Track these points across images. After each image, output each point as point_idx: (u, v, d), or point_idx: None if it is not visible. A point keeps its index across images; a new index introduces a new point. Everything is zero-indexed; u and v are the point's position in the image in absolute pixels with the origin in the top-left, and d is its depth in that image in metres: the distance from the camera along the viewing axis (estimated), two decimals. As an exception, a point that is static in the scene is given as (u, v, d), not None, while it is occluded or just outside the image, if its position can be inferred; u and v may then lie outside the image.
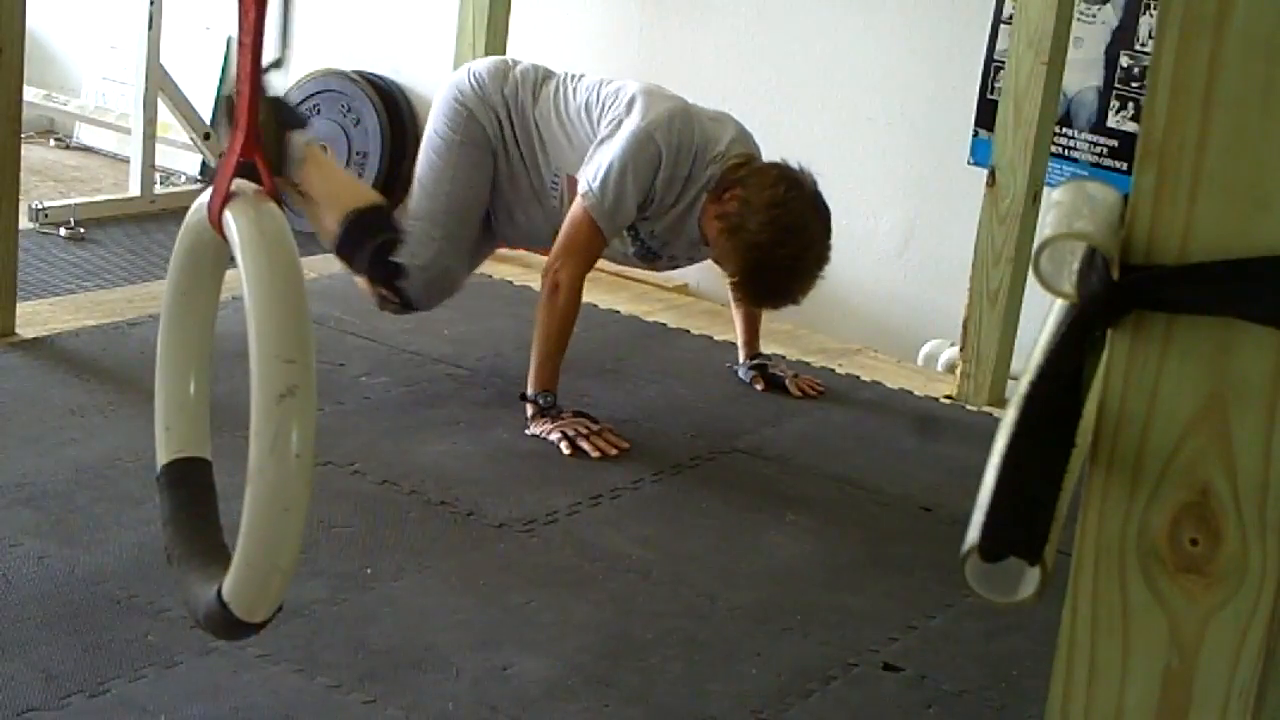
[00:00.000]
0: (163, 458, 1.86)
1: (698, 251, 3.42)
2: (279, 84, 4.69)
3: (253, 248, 1.61)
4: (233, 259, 1.69)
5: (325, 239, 3.34)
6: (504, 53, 4.45)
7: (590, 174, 3.24)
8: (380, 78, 5.61)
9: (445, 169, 3.40)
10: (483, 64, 3.54)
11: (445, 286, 3.39)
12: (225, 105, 3.36)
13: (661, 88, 3.41)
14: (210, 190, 1.70)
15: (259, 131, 1.70)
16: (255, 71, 1.67)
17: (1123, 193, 0.97)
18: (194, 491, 1.84)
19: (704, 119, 3.35)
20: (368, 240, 3.28)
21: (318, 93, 5.52)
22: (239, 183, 1.67)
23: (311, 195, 3.27)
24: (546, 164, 3.40)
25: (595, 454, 3.16)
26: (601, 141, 3.28)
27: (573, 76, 3.48)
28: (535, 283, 4.17)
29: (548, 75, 3.48)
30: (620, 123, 3.27)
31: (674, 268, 3.61)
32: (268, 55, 3.59)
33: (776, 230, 3.15)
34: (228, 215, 1.66)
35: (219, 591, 1.68)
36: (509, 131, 3.42)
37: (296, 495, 1.58)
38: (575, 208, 3.26)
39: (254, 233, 1.63)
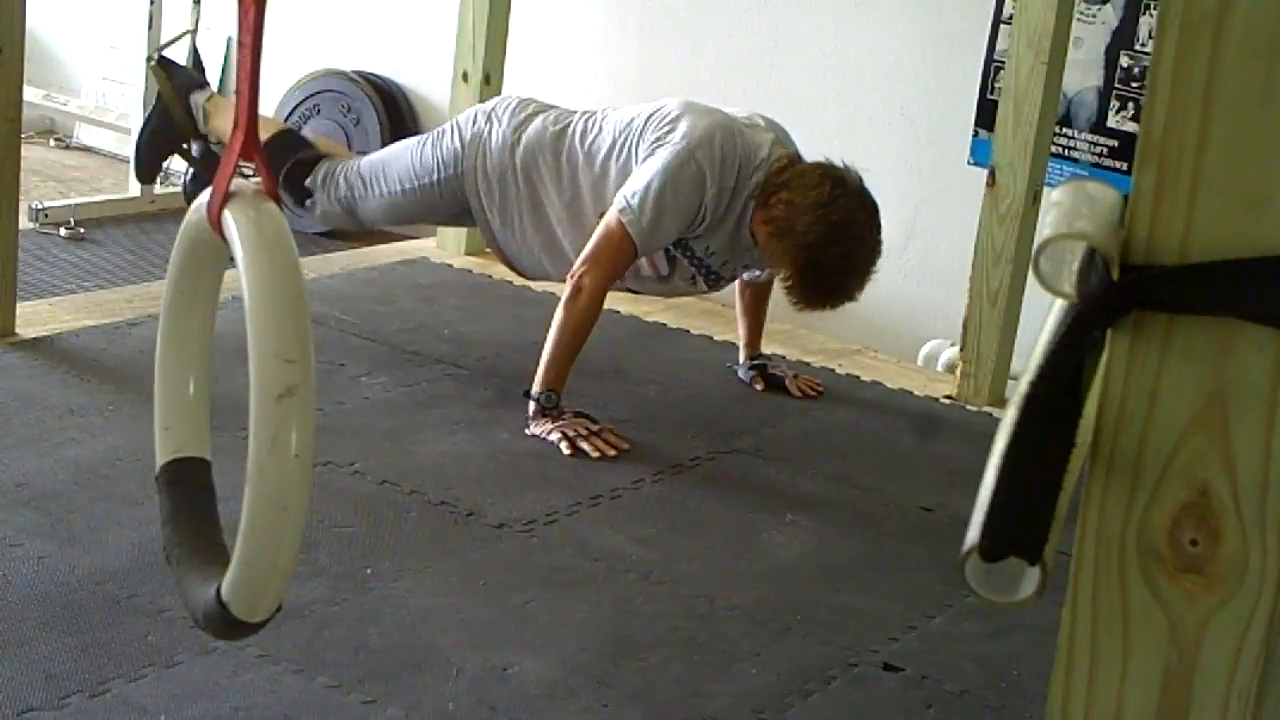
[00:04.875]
0: (162, 458, 1.86)
1: (754, 258, 3.40)
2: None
3: (252, 248, 1.61)
4: (232, 259, 1.68)
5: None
6: (504, 54, 4.45)
7: (629, 190, 3.23)
8: (380, 78, 5.61)
9: (406, 180, 3.61)
10: (495, 128, 3.51)
11: (341, 226, 3.94)
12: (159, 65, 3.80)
13: (700, 103, 3.39)
14: (209, 190, 1.69)
15: (259, 131, 1.70)
16: (255, 72, 1.67)
17: (1123, 193, 0.97)
18: (193, 491, 1.84)
19: (744, 127, 3.33)
20: (279, 165, 3.62)
21: (318, 93, 5.53)
22: (238, 182, 1.67)
23: (221, 133, 3.64)
24: (579, 214, 3.40)
25: (595, 454, 3.16)
26: (645, 160, 3.28)
27: (591, 117, 3.46)
28: (535, 283, 4.18)
29: (564, 127, 3.45)
30: (662, 142, 3.27)
31: (737, 279, 3.59)
32: (186, 24, 3.76)
33: (825, 229, 3.15)
34: (227, 215, 1.65)
35: (218, 591, 1.68)
36: (519, 194, 3.47)
37: (295, 495, 1.58)
38: (610, 218, 3.25)
39: (253, 233, 1.62)
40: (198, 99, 3.74)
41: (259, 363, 1.56)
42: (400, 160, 3.63)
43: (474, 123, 3.57)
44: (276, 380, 1.54)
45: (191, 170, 3.79)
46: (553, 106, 3.57)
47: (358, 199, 3.65)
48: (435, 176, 3.56)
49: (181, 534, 1.81)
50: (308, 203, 3.68)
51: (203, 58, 4.07)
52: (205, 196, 1.70)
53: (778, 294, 3.41)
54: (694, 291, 3.58)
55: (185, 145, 3.76)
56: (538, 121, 3.48)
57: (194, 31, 4.06)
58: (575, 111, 3.52)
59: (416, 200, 3.60)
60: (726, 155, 3.25)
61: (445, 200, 3.59)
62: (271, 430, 1.55)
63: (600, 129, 3.41)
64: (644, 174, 3.23)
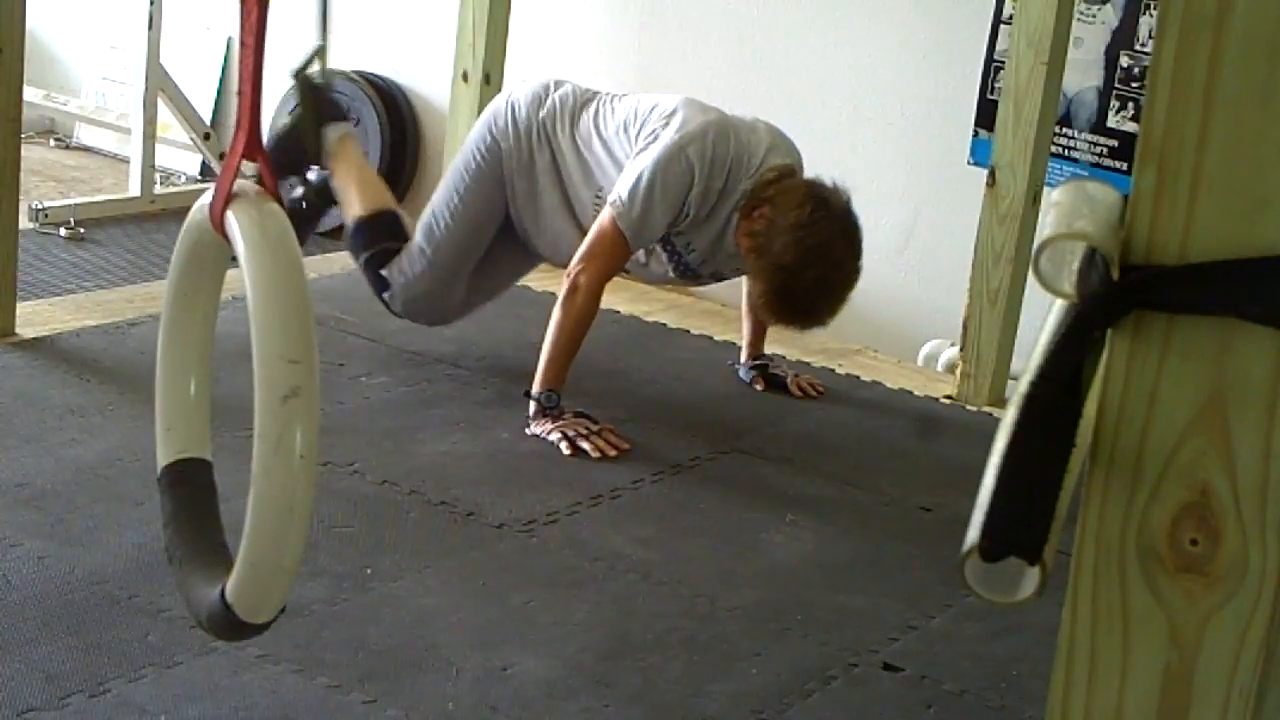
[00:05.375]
0: (164, 459, 1.86)
1: (741, 263, 3.36)
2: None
3: (256, 249, 1.61)
4: (234, 259, 1.68)
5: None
6: (504, 54, 4.45)
7: (621, 184, 3.24)
8: (380, 78, 5.62)
9: (456, 200, 3.49)
10: (524, 90, 3.50)
11: (425, 308, 3.53)
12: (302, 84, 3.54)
13: (701, 102, 3.39)
14: (212, 190, 1.69)
15: (261, 132, 1.70)
16: (257, 72, 1.67)
17: (1123, 193, 0.97)
18: (195, 492, 1.84)
19: (742, 130, 3.33)
20: (365, 247, 3.53)
21: (318, 93, 5.52)
22: (241, 183, 1.67)
23: (337, 187, 3.53)
24: (587, 184, 3.39)
25: (595, 454, 3.16)
26: (638, 154, 3.28)
27: (614, 96, 3.47)
28: (535, 283, 4.18)
29: (589, 99, 3.46)
30: (656, 136, 3.27)
31: (720, 280, 3.57)
32: (311, 43, 3.64)
33: (801, 252, 3.13)
34: (230, 216, 1.65)
35: (222, 593, 1.67)
36: (542, 157, 3.44)
37: (300, 496, 1.58)
38: (603, 215, 3.26)
39: (257, 233, 1.62)
40: (330, 134, 3.56)
41: (263, 364, 1.56)
42: (443, 186, 3.56)
43: (503, 94, 3.58)
44: (281, 381, 1.55)
45: (302, 192, 3.58)
46: (572, 84, 3.55)
47: (427, 264, 3.45)
48: (476, 162, 3.46)
49: (184, 535, 1.81)
50: (386, 295, 3.50)
51: (334, 78, 3.85)
52: (207, 197, 1.70)
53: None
54: (670, 282, 3.57)
55: (306, 169, 3.59)
56: (567, 87, 3.49)
57: (323, 49, 3.88)
58: (603, 93, 3.52)
59: (468, 218, 3.45)
60: (717, 155, 3.25)
61: (489, 194, 3.45)
62: (277, 431, 1.55)
63: (614, 111, 3.42)
64: (635, 168, 3.24)
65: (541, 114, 3.44)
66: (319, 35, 4.11)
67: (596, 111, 3.44)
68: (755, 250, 3.21)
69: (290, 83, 3.59)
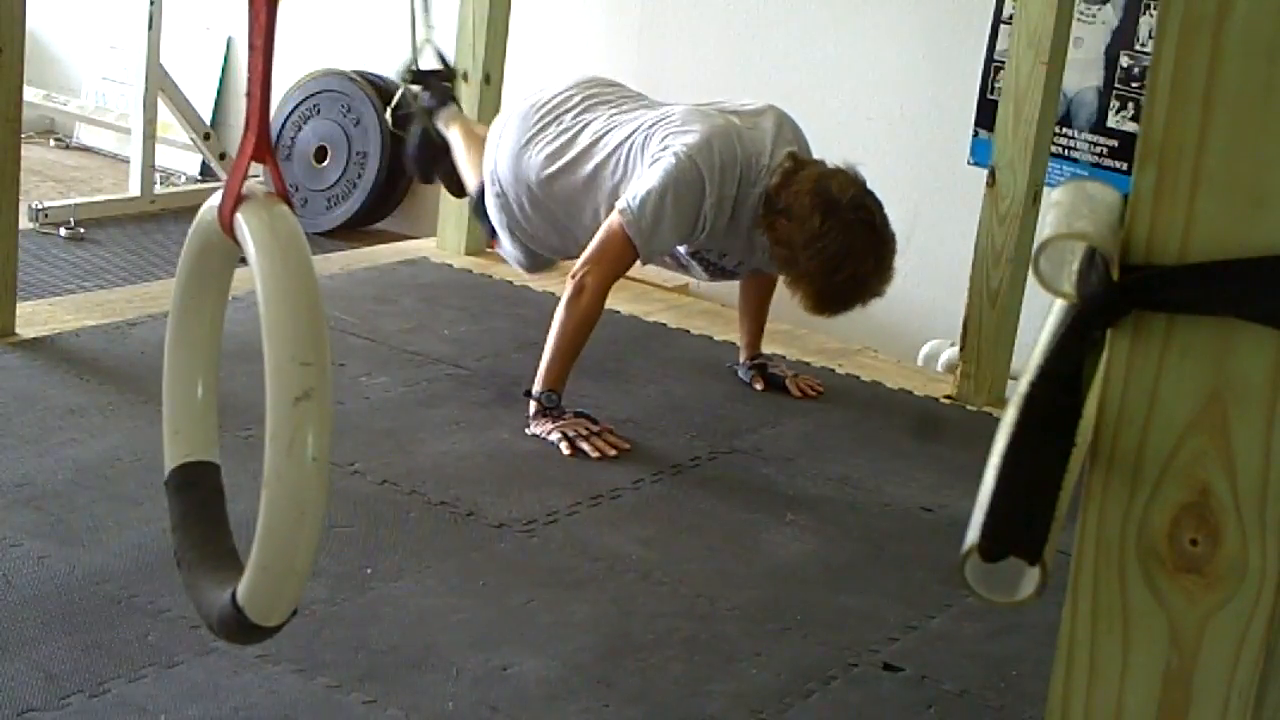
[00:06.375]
0: (171, 462, 1.85)
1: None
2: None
3: (267, 251, 1.61)
4: (242, 261, 1.68)
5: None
6: (504, 54, 4.44)
7: (631, 193, 3.25)
8: (380, 78, 5.61)
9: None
10: (504, 152, 3.56)
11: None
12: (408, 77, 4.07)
13: (704, 109, 3.40)
14: (221, 192, 1.69)
15: (270, 133, 1.70)
16: (266, 74, 1.66)
17: (1123, 193, 0.97)
18: (203, 495, 1.83)
19: (745, 129, 3.34)
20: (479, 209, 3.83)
21: (318, 93, 5.53)
22: (250, 185, 1.66)
23: (457, 163, 3.95)
24: (607, 204, 3.40)
25: (595, 455, 3.16)
26: (650, 164, 3.29)
27: (595, 117, 3.47)
28: (535, 283, 4.19)
29: (574, 134, 3.46)
30: (667, 146, 3.28)
31: (760, 275, 3.61)
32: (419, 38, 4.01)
33: (824, 260, 3.17)
34: (239, 218, 1.65)
35: (234, 596, 1.67)
36: (553, 197, 3.50)
37: (313, 499, 1.58)
38: (612, 219, 3.26)
39: (267, 235, 1.62)
40: (440, 121, 3.97)
41: (275, 366, 1.55)
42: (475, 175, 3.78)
43: (491, 141, 3.65)
44: (293, 383, 1.54)
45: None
46: (555, 110, 3.54)
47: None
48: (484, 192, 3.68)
49: (192, 538, 1.80)
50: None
51: (447, 59, 4.24)
52: (216, 198, 1.70)
53: (782, 294, 3.41)
54: (705, 279, 3.61)
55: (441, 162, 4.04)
56: (539, 148, 3.49)
57: (429, 40, 4.21)
58: (576, 123, 3.50)
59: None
60: (725, 163, 3.25)
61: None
62: (289, 434, 1.55)
63: (612, 135, 3.41)
64: (646, 180, 3.24)
65: (529, 176, 3.49)
66: (423, 28, 4.39)
67: (584, 153, 3.43)
68: (783, 263, 3.26)
69: (400, 83, 4.08)
